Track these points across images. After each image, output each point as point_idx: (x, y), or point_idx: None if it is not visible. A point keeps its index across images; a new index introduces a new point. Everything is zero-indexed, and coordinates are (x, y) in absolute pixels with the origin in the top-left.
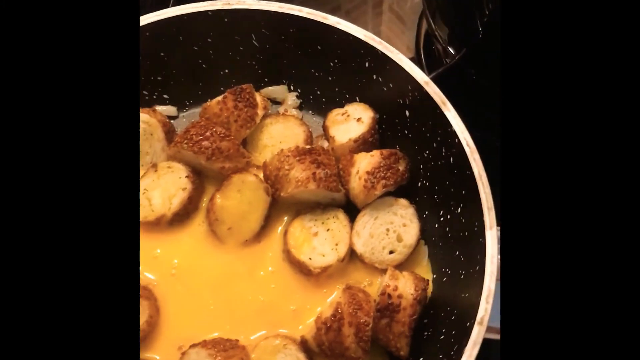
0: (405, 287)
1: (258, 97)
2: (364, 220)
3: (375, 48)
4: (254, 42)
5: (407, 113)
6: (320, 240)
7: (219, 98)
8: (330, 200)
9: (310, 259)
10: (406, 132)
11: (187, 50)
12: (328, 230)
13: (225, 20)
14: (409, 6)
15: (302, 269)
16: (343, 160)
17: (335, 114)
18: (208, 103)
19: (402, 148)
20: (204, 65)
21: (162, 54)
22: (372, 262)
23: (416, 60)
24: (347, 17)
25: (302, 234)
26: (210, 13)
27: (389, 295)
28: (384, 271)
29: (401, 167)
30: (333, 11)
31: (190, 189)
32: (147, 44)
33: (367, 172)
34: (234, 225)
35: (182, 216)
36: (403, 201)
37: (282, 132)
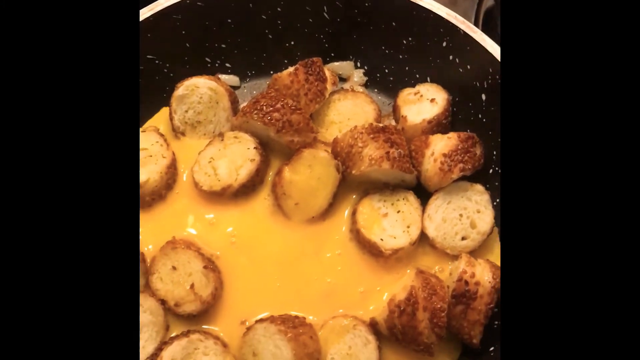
0: (483, 274)
1: (327, 72)
2: (437, 204)
3: (457, 27)
4: (324, 14)
5: (483, 97)
6: (391, 221)
7: (291, 69)
8: (399, 182)
9: (381, 239)
10: (480, 116)
11: (255, 18)
12: (398, 212)
13: None
14: None
15: (371, 250)
16: (416, 141)
17: (407, 93)
18: (279, 74)
19: (474, 132)
20: (270, 36)
21: (229, 20)
22: (444, 247)
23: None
24: None
25: (372, 214)
26: None
27: (466, 282)
28: (454, 257)
29: (478, 152)
30: None
31: (259, 160)
32: (215, 10)
33: (444, 155)
34: (302, 201)
35: (248, 188)
36: (479, 187)
37: (351, 109)
